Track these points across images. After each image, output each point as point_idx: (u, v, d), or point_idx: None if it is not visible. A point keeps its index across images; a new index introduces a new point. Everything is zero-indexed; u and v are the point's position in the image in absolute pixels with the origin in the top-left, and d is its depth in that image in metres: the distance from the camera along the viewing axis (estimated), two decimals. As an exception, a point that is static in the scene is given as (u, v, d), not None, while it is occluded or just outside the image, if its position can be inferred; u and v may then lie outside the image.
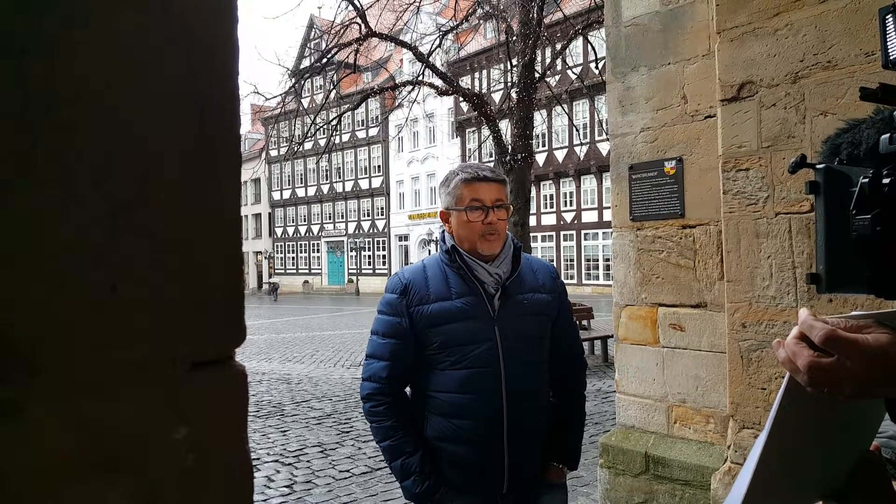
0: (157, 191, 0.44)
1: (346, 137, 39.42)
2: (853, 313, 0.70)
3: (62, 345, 0.40)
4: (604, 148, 24.52)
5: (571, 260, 30.29)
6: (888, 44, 0.76)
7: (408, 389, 2.03)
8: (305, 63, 17.44)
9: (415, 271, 2.00)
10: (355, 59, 12.69)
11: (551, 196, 30.97)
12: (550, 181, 30.61)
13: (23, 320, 0.39)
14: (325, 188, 43.09)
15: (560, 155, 29.87)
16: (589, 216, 29.40)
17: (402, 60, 30.11)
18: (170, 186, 0.44)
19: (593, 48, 13.03)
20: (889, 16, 0.76)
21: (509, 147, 11.48)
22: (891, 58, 0.76)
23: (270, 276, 45.89)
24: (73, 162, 0.40)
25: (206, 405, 0.45)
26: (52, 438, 0.39)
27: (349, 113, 16.16)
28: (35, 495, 0.38)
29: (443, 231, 2.07)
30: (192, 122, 0.45)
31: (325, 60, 13.55)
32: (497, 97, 25.77)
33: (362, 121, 39.23)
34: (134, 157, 0.42)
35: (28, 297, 0.39)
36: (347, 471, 5.19)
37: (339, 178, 42.22)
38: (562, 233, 30.58)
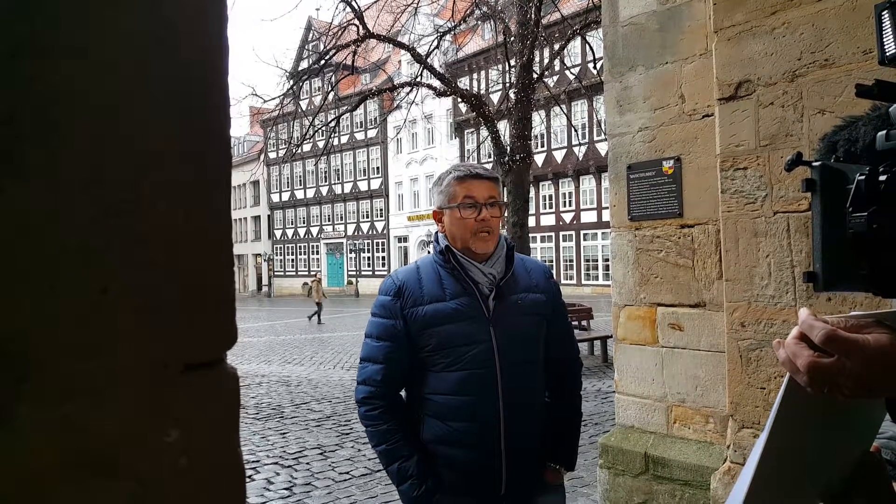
0: (148, 193, 0.43)
1: (344, 139, 39.41)
2: (853, 313, 0.70)
3: (52, 348, 0.40)
4: (602, 148, 24.52)
5: (571, 260, 30.28)
6: (884, 40, 0.75)
7: (403, 392, 2.02)
8: (304, 65, 17.46)
9: (408, 272, 1.98)
10: (353, 61, 12.71)
11: (550, 196, 30.96)
12: (549, 181, 30.60)
13: (12, 323, 0.38)
14: (324, 190, 43.07)
15: (559, 155, 29.86)
16: (588, 216, 29.39)
17: (400, 62, 30.11)
18: (160, 188, 0.44)
19: (591, 48, 13.04)
20: (885, 12, 0.75)
21: (508, 148, 11.49)
22: (887, 54, 0.76)
23: (269, 279, 45.88)
24: (63, 163, 0.40)
25: (198, 408, 0.45)
26: (42, 442, 0.39)
27: (348, 114, 16.17)
28: (25, 499, 0.38)
29: (437, 232, 2.06)
30: (181, 123, 0.45)
31: (323, 62, 13.58)
32: (495, 98, 25.80)
33: (361, 122, 39.22)
34: (124, 158, 0.42)
35: (17, 300, 0.39)
36: (347, 473, 5.18)
37: (338, 179, 42.19)
38: (561, 233, 30.56)
